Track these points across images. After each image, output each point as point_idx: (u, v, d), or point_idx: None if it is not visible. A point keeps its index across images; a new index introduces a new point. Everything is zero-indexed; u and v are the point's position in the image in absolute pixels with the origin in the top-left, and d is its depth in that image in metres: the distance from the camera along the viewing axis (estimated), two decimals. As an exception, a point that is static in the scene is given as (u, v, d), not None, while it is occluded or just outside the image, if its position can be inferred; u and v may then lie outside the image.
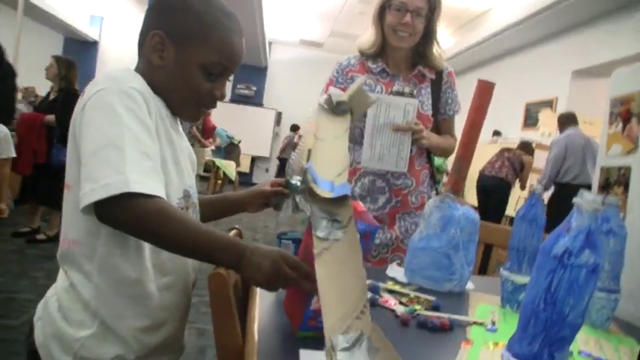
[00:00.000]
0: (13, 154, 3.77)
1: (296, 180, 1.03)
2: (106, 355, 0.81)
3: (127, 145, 0.73)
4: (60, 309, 0.82)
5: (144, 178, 0.73)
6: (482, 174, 5.28)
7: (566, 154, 4.50)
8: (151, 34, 0.86)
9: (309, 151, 1.03)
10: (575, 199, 0.59)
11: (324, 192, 0.70)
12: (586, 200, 0.58)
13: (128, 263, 0.81)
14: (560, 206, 4.38)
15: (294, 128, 10.73)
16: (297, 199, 1.03)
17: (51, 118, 3.64)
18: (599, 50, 5.86)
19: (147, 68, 0.88)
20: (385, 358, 0.59)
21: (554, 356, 0.58)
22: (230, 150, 9.28)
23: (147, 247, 0.83)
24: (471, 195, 5.95)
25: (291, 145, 10.34)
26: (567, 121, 4.74)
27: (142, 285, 0.83)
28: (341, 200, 0.71)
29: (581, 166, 4.41)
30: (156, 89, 0.86)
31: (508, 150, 5.41)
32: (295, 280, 0.75)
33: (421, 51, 1.63)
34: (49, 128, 3.69)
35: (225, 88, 0.93)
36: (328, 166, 0.75)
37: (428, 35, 1.61)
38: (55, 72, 3.69)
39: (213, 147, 8.44)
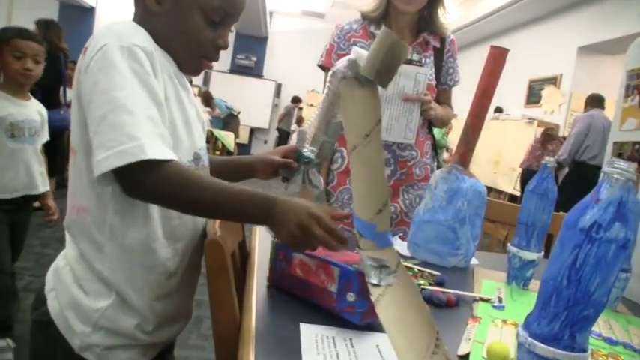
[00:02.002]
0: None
1: (307, 151, 0.96)
2: (125, 326, 0.79)
3: (136, 108, 0.68)
4: (75, 279, 0.79)
5: (157, 143, 0.68)
6: (529, 170, 5.06)
7: (588, 132, 4.47)
8: None
9: (328, 121, 0.95)
10: (604, 168, 0.54)
11: (368, 243, 0.68)
12: (618, 168, 0.53)
13: (138, 231, 0.77)
14: (574, 185, 4.35)
15: (295, 100, 10.59)
16: (310, 173, 0.96)
17: None
18: (605, 26, 5.74)
19: (143, 16, 0.81)
20: None
21: (575, 337, 0.53)
22: (229, 121, 9.19)
23: (156, 214, 0.79)
24: (507, 186, 5.86)
25: (289, 116, 10.20)
26: (593, 102, 4.71)
27: (153, 253, 0.79)
28: (385, 249, 0.68)
29: (601, 147, 4.37)
30: (156, 40, 0.79)
31: (549, 140, 5.22)
32: (325, 242, 0.71)
33: (427, 15, 1.55)
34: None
35: (227, 38, 0.86)
36: (366, 199, 0.69)
37: (433, 1, 1.53)
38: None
39: (210, 117, 8.36)
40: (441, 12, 1.56)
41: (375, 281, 0.65)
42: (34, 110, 1.93)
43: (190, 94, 0.89)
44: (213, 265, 0.75)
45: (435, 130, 1.69)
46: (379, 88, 0.71)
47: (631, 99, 1.33)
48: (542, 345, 0.54)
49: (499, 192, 6.31)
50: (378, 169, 0.69)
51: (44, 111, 1.99)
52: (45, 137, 2.00)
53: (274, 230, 0.73)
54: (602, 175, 0.55)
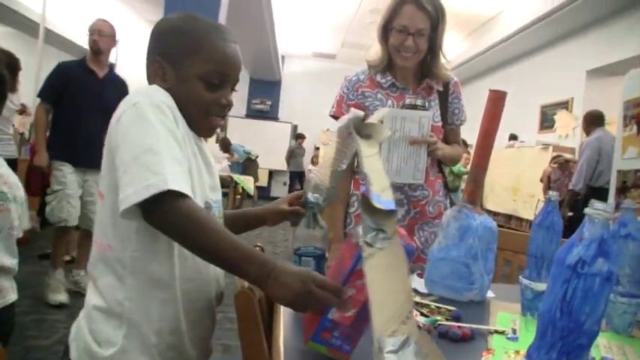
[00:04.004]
0: None
1: (313, 197, 1.06)
2: None
3: (162, 150, 0.79)
4: (90, 331, 0.88)
5: (179, 179, 0.78)
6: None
7: (599, 158, 4.33)
8: (150, 62, 0.94)
9: (333, 170, 1.05)
10: (586, 209, 0.61)
11: (375, 202, 0.73)
12: (597, 209, 0.60)
13: (158, 266, 0.86)
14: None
15: (298, 137, 10.72)
16: (315, 215, 1.06)
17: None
18: (612, 49, 5.80)
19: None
20: None
21: (572, 364, 0.59)
22: (248, 165, 9.38)
23: (176, 253, 0.87)
24: (527, 213, 5.76)
25: (294, 156, 10.30)
26: (594, 120, 4.58)
27: (170, 288, 0.88)
28: (388, 214, 0.73)
29: None
30: None
31: (565, 162, 5.22)
32: (326, 300, 0.75)
33: (427, 65, 1.66)
34: None
35: (231, 96, 0.98)
36: (373, 182, 0.78)
37: (433, 50, 1.63)
38: None
39: (229, 162, 8.54)
40: (440, 61, 1.66)
41: (369, 240, 0.70)
42: None
43: (204, 150, 0.99)
44: (244, 314, 0.82)
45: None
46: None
47: (629, 128, 1.39)
48: (542, 373, 0.60)
49: (520, 219, 6.28)
50: None
51: None
52: None
53: (273, 292, 0.77)
54: (585, 216, 0.62)
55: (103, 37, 3.18)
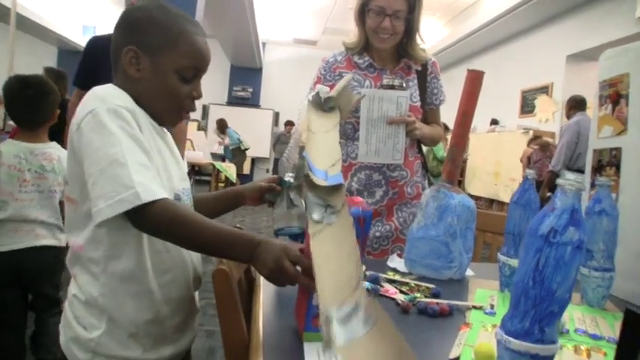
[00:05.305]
0: None
1: (288, 177, 1.07)
2: (120, 349, 0.89)
3: (128, 161, 0.81)
4: (74, 317, 0.91)
5: (149, 186, 0.81)
6: (537, 181, 5.11)
7: (578, 140, 4.47)
8: (125, 50, 0.92)
9: (301, 147, 1.06)
10: (558, 180, 0.62)
11: (320, 180, 0.74)
12: (568, 180, 0.60)
13: (129, 262, 0.88)
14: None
15: (288, 124, 10.65)
16: (291, 195, 1.07)
17: None
18: (591, 34, 5.88)
19: (125, 82, 0.94)
20: (382, 328, 0.62)
21: (544, 331, 0.60)
22: (237, 154, 9.33)
23: (146, 248, 0.89)
24: (508, 197, 5.85)
25: (280, 142, 10.25)
26: (576, 104, 4.73)
27: (143, 283, 0.90)
28: (335, 189, 0.74)
29: None
30: (137, 100, 0.93)
31: (547, 146, 5.31)
32: (294, 275, 0.77)
33: (404, 47, 1.66)
34: None
35: (200, 89, 0.99)
36: (322, 157, 0.79)
37: (409, 32, 1.63)
38: None
39: (220, 146, 8.51)
40: (417, 43, 1.66)
41: (317, 218, 0.71)
42: None
43: (169, 142, 1.02)
44: (221, 291, 0.83)
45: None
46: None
47: (605, 108, 1.41)
48: (516, 341, 0.61)
49: (501, 203, 6.36)
50: None
51: None
52: None
53: (257, 268, 0.81)
54: (557, 187, 0.62)
55: None
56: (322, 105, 0.89)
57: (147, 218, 0.80)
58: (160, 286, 0.91)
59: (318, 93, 0.89)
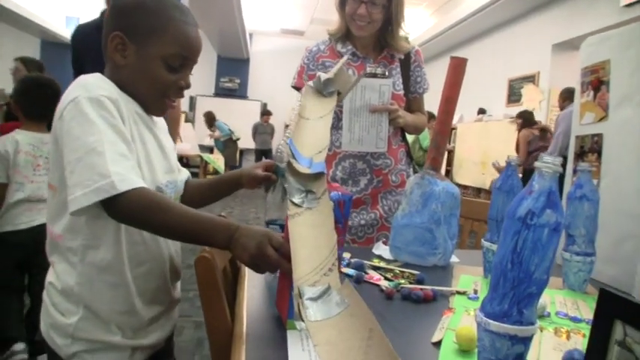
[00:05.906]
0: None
1: (284, 165, 1.07)
2: (99, 334, 0.90)
3: (106, 150, 0.80)
4: (52, 303, 0.91)
5: (126, 176, 0.80)
6: (530, 169, 5.11)
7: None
8: (111, 36, 0.91)
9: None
10: (535, 163, 0.62)
11: (303, 168, 0.75)
12: (546, 163, 0.61)
13: (106, 252, 0.88)
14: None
15: (263, 114, 10.51)
16: (286, 184, 1.07)
17: None
18: (577, 23, 5.91)
19: (113, 69, 0.94)
20: (355, 311, 0.63)
21: (522, 312, 0.61)
22: (228, 145, 9.26)
23: (123, 240, 0.89)
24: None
25: (258, 133, 10.15)
26: (569, 96, 4.79)
27: (120, 274, 0.90)
28: (317, 176, 0.74)
29: None
30: (124, 88, 0.92)
31: (546, 131, 5.37)
32: (277, 261, 0.77)
33: (385, 36, 1.65)
34: None
35: (189, 79, 0.98)
36: (309, 144, 0.79)
37: (389, 22, 1.62)
38: (25, 74, 3.66)
39: (211, 139, 8.44)
40: (398, 34, 1.64)
41: (297, 201, 0.72)
42: None
43: (157, 133, 1.00)
44: (204, 279, 0.83)
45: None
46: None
47: (587, 94, 1.42)
48: (495, 322, 0.61)
49: (489, 192, 6.41)
50: None
51: None
52: None
53: (236, 254, 0.80)
54: (535, 170, 0.63)
55: None
56: (322, 88, 0.90)
57: (122, 206, 0.79)
58: (134, 277, 0.91)
59: (319, 76, 0.90)
